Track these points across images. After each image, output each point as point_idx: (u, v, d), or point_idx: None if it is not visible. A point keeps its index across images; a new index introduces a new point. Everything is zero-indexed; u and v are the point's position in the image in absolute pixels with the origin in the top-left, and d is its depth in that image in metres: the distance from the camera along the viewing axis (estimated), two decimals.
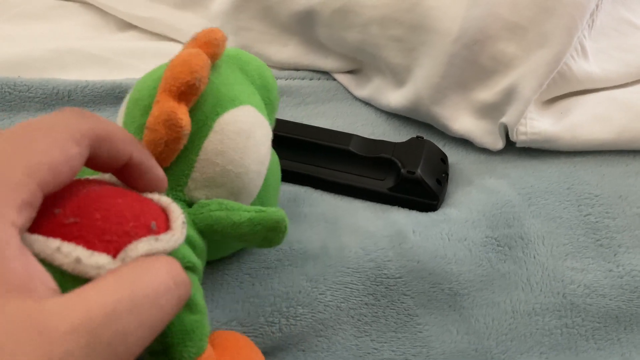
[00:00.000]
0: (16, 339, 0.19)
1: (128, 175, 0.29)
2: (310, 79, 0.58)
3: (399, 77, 0.53)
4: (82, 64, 0.56)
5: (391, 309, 0.39)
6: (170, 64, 0.31)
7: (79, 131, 0.25)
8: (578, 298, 0.40)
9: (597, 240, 0.43)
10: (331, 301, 0.39)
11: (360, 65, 0.58)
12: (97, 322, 0.20)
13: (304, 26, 0.56)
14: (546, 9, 0.47)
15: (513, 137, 0.49)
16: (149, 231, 0.27)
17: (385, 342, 0.39)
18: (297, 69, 0.59)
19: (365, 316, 0.39)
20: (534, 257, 0.42)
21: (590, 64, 0.49)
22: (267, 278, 0.39)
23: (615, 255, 0.42)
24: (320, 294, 0.39)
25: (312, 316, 0.38)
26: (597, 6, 0.49)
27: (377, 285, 0.40)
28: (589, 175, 0.46)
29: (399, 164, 0.46)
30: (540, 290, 0.40)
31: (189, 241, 0.32)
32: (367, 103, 0.57)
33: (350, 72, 0.59)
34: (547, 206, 0.45)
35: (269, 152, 0.37)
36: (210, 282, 0.39)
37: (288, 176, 0.46)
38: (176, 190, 0.33)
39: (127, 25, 0.65)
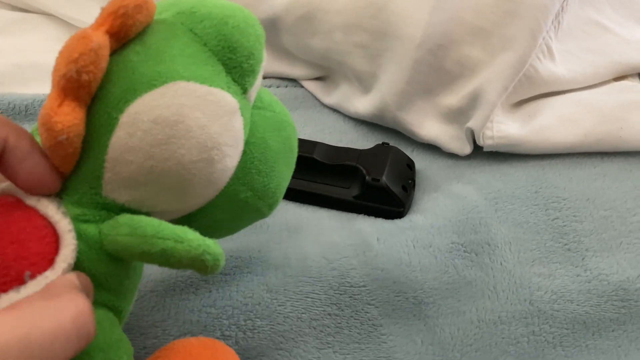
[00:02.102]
0: None
1: (7, 164, 0.26)
2: (278, 87, 0.58)
3: (364, 83, 0.53)
4: (45, 79, 0.54)
5: (355, 319, 0.38)
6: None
7: None
8: (545, 304, 0.39)
9: (565, 245, 0.42)
10: (291, 312, 0.38)
11: (327, 72, 0.57)
12: None
13: (269, 34, 0.55)
14: (509, 12, 0.46)
15: (480, 142, 0.48)
16: (20, 284, 0.24)
17: (349, 354, 0.38)
18: (264, 77, 0.58)
19: (328, 327, 0.38)
20: (501, 264, 0.41)
21: (557, 66, 0.49)
22: (225, 285, 0.38)
23: (583, 259, 0.41)
24: (279, 305, 0.38)
25: (271, 328, 0.37)
26: (562, 7, 0.48)
27: (341, 295, 0.39)
28: (557, 179, 0.46)
29: (364, 172, 0.45)
30: (507, 298, 0.40)
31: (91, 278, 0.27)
32: (335, 110, 0.56)
33: (317, 79, 0.58)
34: (514, 211, 0.44)
35: (230, 129, 0.29)
36: (162, 288, 0.37)
37: None
38: (91, 194, 0.28)
39: None
